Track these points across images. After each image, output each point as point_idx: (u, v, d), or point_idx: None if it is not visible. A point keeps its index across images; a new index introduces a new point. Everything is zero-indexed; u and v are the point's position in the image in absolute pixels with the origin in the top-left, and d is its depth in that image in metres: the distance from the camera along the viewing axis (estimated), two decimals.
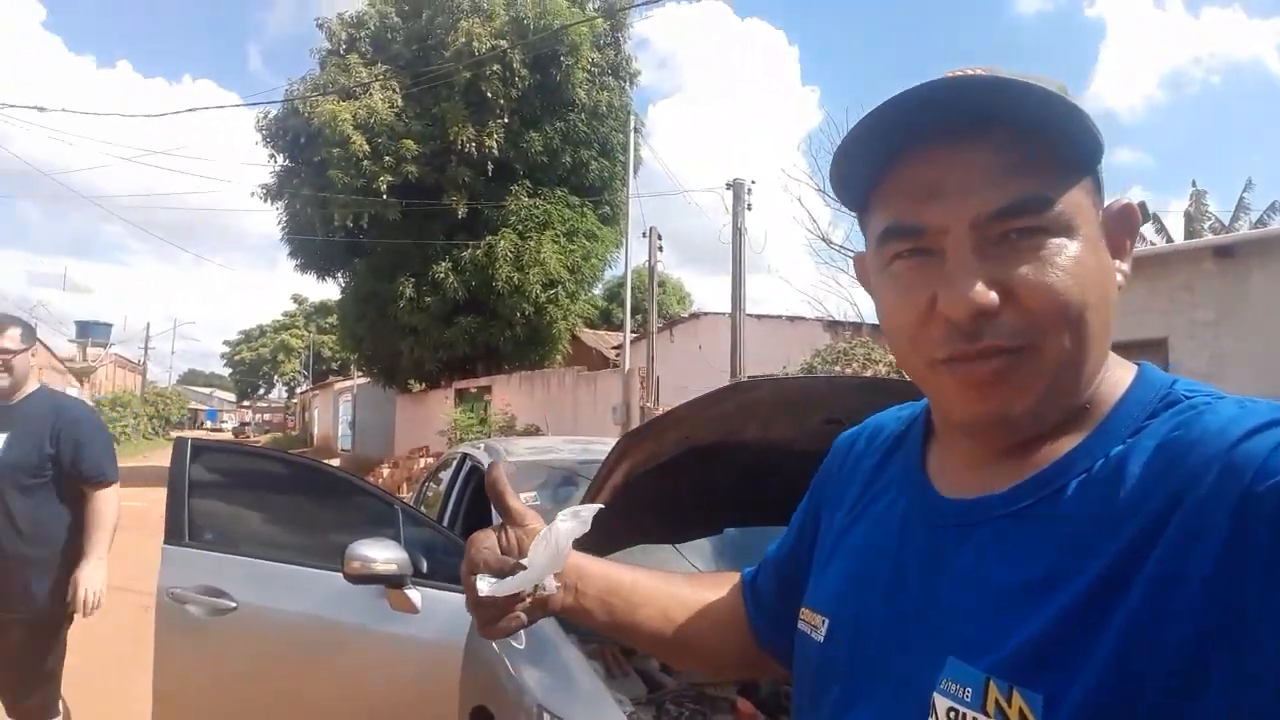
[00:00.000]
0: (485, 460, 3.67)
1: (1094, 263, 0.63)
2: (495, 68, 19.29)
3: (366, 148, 19.37)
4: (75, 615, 3.14)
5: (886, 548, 0.74)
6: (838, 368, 10.18)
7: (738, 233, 13.82)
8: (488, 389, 20.11)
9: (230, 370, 79.59)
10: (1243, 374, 7.14)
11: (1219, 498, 0.54)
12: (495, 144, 19.74)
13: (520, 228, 20.13)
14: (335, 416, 35.40)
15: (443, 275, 20.04)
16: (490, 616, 0.85)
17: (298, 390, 59.85)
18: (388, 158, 19.53)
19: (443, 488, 4.15)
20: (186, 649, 2.81)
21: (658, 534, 2.41)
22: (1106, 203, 0.68)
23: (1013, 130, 0.62)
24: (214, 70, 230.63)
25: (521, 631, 0.99)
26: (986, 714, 0.58)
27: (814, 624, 0.78)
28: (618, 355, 17.32)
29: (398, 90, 20.03)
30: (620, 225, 20.34)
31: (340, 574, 2.55)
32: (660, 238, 15.83)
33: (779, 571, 0.94)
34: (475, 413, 17.82)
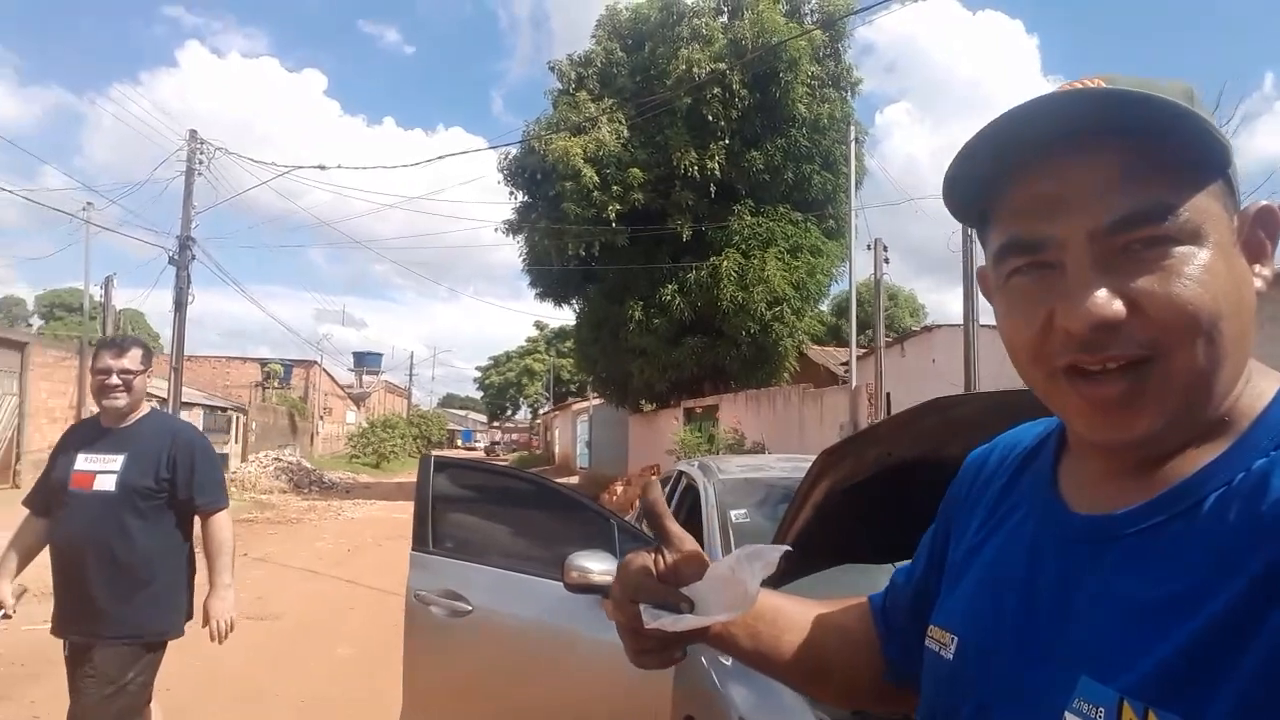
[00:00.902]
0: (699, 478, 3.75)
1: (1225, 269, 0.61)
2: (715, 91, 19.61)
3: (596, 179, 20.30)
4: (209, 635, 3.10)
5: (1017, 565, 0.72)
6: None
7: (967, 238, 12.92)
8: (715, 408, 20.34)
9: (482, 393, 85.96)
10: None
11: None
12: (717, 166, 20.03)
13: (744, 247, 20.26)
14: (574, 436, 37.17)
15: (669, 297, 20.57)
16: (648, 647, 0.83)
17: (540, 411, 63.45)
18: (616, 187, 20.36)
19: None
20: (431, 648, 3.10)
21: (857, 555, 2.36)
22: (1244, 205, 0.64)
23: (1130, 140, 0.61)
24: (463, 117, 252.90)
25: None
26: None
27: (943, 642, 0.77)
28: (846, 371, 16.93)
29: (623, 122, 20.86)
30: (845, 239, 19.94)
31: (561, 583, 2.72)
32: (886, 249, 15.34)
33: (909, 594, 0.93)
34: (702, 432, 18.06)
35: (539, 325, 67.74)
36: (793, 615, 0.95)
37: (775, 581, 2.65)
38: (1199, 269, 0.59)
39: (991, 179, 0.67)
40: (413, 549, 3.15)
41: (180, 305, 19.46)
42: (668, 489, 4.30)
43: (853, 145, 18.15)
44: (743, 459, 5.29)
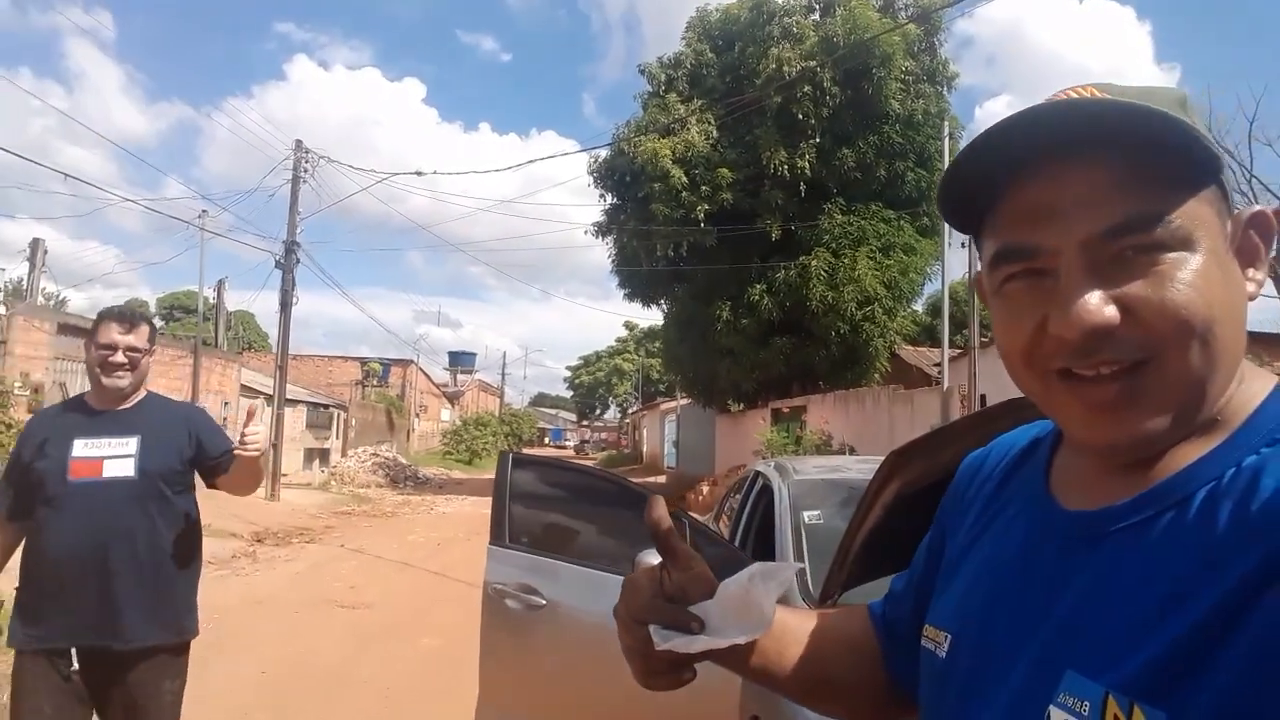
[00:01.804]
0: (775, 479, 3.72)
1: (1219, 274, 0.62)
2: (806, 89, 19.36)
3: (685, 180, 20.31)
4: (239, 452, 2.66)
5: (1008, 562, 0.73)
6: None
7: None
8: (803, 409, 20.09)
9: (571, 393, 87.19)
10: None
11: None
12: (807, 164, 19.77)
13: (834, 246, 19.94)
14: (661, 435, 37.33)
15: (758, 297, 20.40)
16: (658, 669, 0.80)
17: (629, 411, 63.91)
18: (704, 187, 20.32)
19: (736, 505, 4.26)
20: (505, 640, 3.16)
21: None
22: (1238, 210, 0.65)
23: (1122, 149, 0.62)
24: (556, 121, 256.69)
25: None
26: None
27: (937, 640, 0.77)
28: (939, 372, 16.48)
29: (712, 122, 20.81)
30: (939, 237, 19.43)
31: None
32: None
33: (909, 600, 0.92)
34: (789, 432, 17.87)
35: (629, 325, 68.37)
36: (795, 628, 0.92)
37: (843, 586, 2.60)
38: (1191, 274, 0.60)
39: (986, 188, 0.67)
40: (490, 543, 3.22)
41: (285, 306, 20.34)
42: (744, 489, 4.27)
43: (947, 141, 17.67)
44: (820, 460, 5.23)
